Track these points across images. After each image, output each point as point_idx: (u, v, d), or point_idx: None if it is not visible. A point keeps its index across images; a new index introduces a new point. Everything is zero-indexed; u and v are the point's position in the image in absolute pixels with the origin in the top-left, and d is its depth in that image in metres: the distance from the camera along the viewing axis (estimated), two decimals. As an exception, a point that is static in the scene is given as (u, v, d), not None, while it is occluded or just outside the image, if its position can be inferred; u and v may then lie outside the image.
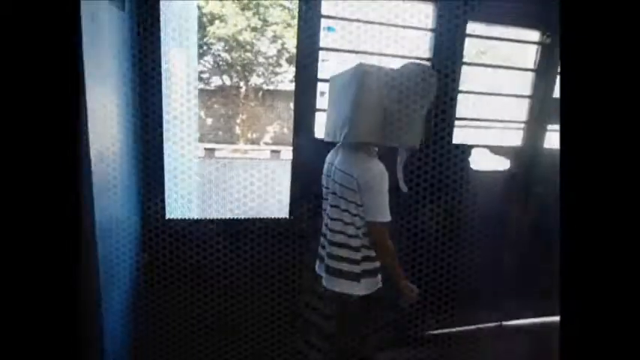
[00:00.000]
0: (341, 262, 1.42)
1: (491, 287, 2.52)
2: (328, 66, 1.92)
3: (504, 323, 2.54)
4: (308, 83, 1.84)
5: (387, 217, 1.35)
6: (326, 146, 1.93)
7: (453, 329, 2.42)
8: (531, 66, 2.21)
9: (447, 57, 2.00)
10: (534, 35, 2.17)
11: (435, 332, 2.38)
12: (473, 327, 2.48)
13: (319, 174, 1.91)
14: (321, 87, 1.89)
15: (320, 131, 1.90)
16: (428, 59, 2.00)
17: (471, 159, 2.19)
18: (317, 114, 1.88)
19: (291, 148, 1.90)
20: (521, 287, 2.37)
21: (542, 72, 2.19)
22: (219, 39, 9.28)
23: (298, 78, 1.83)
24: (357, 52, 1.87)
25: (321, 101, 1.90)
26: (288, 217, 1.94)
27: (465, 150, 2.17)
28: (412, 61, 1.59)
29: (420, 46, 2.02)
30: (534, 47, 2.19)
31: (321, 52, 1.83)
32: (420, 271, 1.79)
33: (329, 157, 1.56)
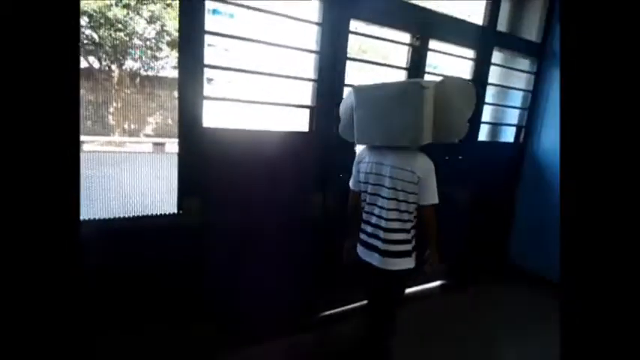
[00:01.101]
0: (398, 245, 1.71)
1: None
2: (216, 51, 1.82)
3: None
4: (194, 70, 1.71)
5: (437, 199, 1.68)
6: (215, 134, 1.84)
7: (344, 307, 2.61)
8: (404, 65, 2.48)
9: (332, 51, 2.10)
10: (406, 37, 2.44)
11: (328, 313, 2.53)
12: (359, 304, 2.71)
13: (210, 165, 1.83)
14: (209, 74, 1.79)
15: (210, 121, 1.81)
16: (315, 52, 2.07)
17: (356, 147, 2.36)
18: (205, 102, 1.77)
19: (176, 140, 1.75)
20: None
21: (413, 70, 2.48)
22: (83, 12, 7.92)
23: (182, 64, 1.69)
24: (245, 39, 1.82)
25: (209, 89, 1.80)
26: (176, 211, 1.80)
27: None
28: (456, 76, 2.02)
29: (308, 39, 2.07)
30: (406, 48, 2.46)
31: (207, 37, 1.72)
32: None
33: (370, 157, 1.78)
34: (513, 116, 3.42)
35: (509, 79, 3.32)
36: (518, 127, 3.42)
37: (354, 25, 2.18)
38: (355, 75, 2.31)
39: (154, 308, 1.86)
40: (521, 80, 3.37)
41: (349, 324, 2.50)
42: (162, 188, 1.82)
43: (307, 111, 2.16)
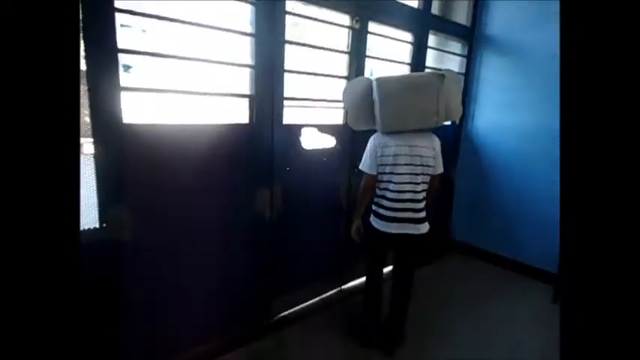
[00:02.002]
0: (424, 211, 2.06)
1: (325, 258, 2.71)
2: (133, 33, 1.54)
3: (343, 287, 2.80)
4: (105, 56, 1.42)
5: (442, 168, 2.10)
6: (139, 131, 1.60)
7: (300, 306, 2.51)
8: (345, 48, 2.38)
9: (269, 33, 1.92)
10: (346, 19, 2.33)
11: (284, 314, 2.41)
12: (317, 299, 2.63)
13: (136, 168, 1.59)
14: (125, 60, 1.51)
15: (133, 116, 1.54)
16: (251, 34, 1.87)
17: (301, 138, 2.23)
18: (124, 95, 1.50)
19: (91, 140, 1.46)
20: (353, 253, 2.64)
21: (354, 53, 2.39)
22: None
23: (89, 49, 1.39)
24: (162, 19, 1.56)
25: (127, 78, 1.52)
26: (98, 226, 1.52)
27: (295, 130, 2.20)
28: (450, 69, 2.43)
29: (242, 20, 1.87)
30: (346, 30, 2.35)
31: (119, 16, 1.44)
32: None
33: (396, 141, 1.97)
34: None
35: (444, 62, 3.40)
36: (454, 110, 3.53)
37: (291, 5, 2.01)
38: (296, 60, 2.16)
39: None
40: (455, 63, 3.46)
41: (299, 327, 2.41)
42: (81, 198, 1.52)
43: (246, 101, 1.96)
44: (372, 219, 2.09)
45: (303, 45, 2.14)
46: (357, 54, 2.40)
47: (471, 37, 3.41)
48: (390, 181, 1.99)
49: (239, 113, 1.98)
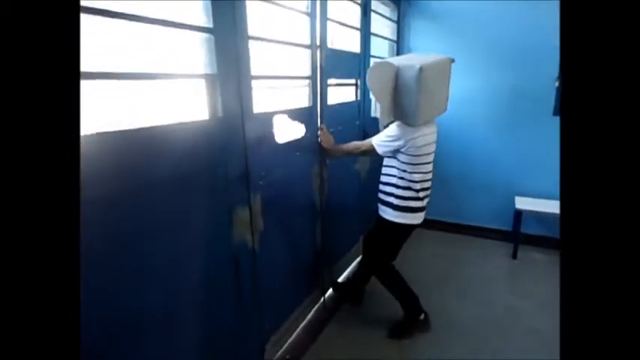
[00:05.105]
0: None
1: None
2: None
3: (325, 299, 2.41)
4: None
5: None
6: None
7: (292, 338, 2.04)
8: (305, 10, 1.86)
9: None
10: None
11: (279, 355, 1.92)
12: (305, 322, 2.18)
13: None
14: None
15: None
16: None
17: (274, 130, 1.67)
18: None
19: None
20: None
21: (313, 15, 1.89)
22: None
23: None
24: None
25: None
26: None
27: (267, 120, 1.63)
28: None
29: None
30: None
31: None
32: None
33: (420, 132, 1.81)
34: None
35: (381, 30, 3.12)
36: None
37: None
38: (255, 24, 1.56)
39: None
40: (389, 29, 3.23)
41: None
42: None
43: (203, 86, 1.31)
44: (398, 215, 1.93)
45: None
46: (317, 17, 1.90)
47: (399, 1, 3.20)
48: (416, 172, 1.86)
49: (192, 106, 1.31)
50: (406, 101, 1.74)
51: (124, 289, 1.05)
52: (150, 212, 1.11)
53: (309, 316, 2.22)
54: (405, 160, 1.84)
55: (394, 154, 1.86)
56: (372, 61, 2.68)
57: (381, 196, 1.99)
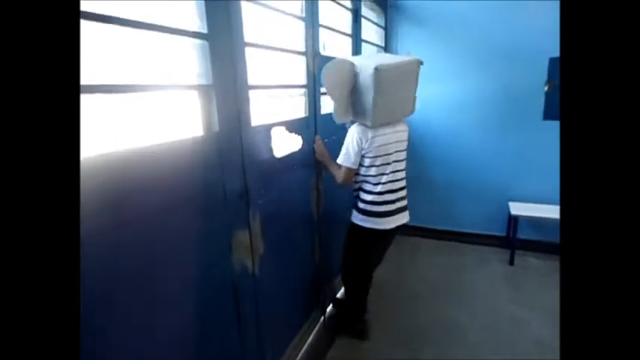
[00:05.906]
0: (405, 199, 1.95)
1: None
2: None
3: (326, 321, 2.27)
4: None
5: None
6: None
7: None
8: (300, 14, 1.74)
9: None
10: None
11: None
12: (306, 346, 2.03)
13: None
14: None
15: None
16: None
17: (272, 144, 1.54)
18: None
19: None
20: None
21: (308, 21, 1.78)
22: None
23: None
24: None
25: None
26: None
27: (265, 133, 1.49)
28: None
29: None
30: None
31: None
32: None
33: (381, 131, 1.76)
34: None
35: (370, 36, 3.04)
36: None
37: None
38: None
39: None
40: (379, 35, 3.16)
41: None
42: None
43: (197, 99, 1.16)
44: (364, 219, 1.84)
45: None
46: (312, 22, 1.79)
47: (385, 5, 3.14)
48: (381, 173, 1.80)
49: (184, 120, 1.16)
50: (362, 101, 1.67)
51: (117, 325, 0.89)
52: (141, 245, 0.95)
53: (310, 339, 2.08)
54: (367, 163, 1.78)
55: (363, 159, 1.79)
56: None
57: (354, 200, 1.92)
